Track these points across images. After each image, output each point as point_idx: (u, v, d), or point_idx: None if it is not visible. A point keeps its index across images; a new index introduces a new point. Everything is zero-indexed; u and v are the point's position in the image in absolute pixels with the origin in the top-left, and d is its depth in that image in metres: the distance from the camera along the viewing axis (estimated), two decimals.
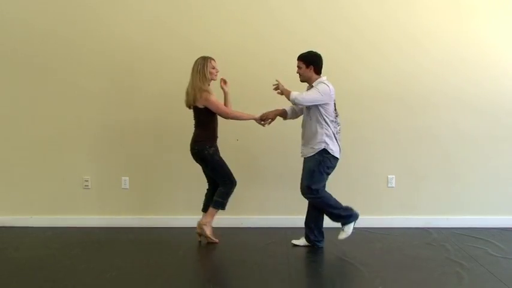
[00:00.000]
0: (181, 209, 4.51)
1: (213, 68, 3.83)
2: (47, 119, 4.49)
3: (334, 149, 3.71)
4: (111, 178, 4.53)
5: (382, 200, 4.51)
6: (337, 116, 3.77)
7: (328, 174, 3.79)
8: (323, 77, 3.73)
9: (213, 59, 3.85)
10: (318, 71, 3.72)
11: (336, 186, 4.36)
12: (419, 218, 4.46)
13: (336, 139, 3.74)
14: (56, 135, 4.50)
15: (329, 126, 3.68)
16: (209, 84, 3.84)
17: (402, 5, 4.45)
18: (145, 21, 4.45)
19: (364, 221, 4.35)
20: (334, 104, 3.74)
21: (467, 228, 4.36)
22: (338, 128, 3.77)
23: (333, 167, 3.79)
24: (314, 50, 3.75)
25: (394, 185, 4.53)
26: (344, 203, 3.85)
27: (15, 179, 4.53)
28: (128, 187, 4.53)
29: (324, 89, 3.63)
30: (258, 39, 4.44)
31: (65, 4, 4.45)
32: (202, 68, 3.78)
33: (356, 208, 3.84)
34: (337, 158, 3.76)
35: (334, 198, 3.80)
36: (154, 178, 4.54)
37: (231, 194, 3.93)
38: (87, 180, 4.53)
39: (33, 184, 4.52)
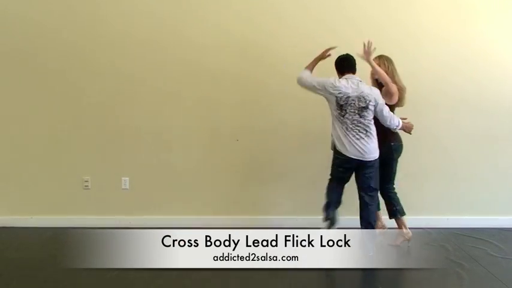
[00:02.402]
0: (181, 209, 4.51)
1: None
2: (47, 119, 4.49)
3: (339, 148, 3.65)
4: (111, 178, 4.52)
5: (382, 200, 4.50)
6: (344, 115, 3.61)
7: (340, 172, 3.72)
8: (346, 76, 3.69)
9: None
10: (339, 72, 3.74)
11: None
12: (419, 218, 4.45)
13: (344, 137, 3.61)
14: (55, 135, 4.50)
15: (334, 123, 3.67)
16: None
17: (402, 4, 4.45)
18: (148, 21, 4.44)
19: None
20: (339, 101, 3.61)
21: (467, 228, 4.35)
22: (345, 126, 3.61)
23: (343, 167, 3.69)
24: (346, 54, 3.73)
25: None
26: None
27: (15, 179, 4.53)
28: (127, 187, 4.53)
29: (323, 79, 3.66)
30: (261, 39, 4.43)
31: (66, 4, 4.45)
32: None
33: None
34: (344, 156, 3.63)
35: (329, 202, 3.77)
36: (154, 178, 4.53)
37: None
38: (87, 181, 4.52)
39: (33, 184, 4.52)
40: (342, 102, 3.60)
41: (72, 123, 4.49)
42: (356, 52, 3.68)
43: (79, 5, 4.45)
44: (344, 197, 3.78)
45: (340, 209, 3.93)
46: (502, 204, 4.53)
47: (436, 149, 4.52)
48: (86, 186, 4.53)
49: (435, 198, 4.53)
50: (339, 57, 3.75)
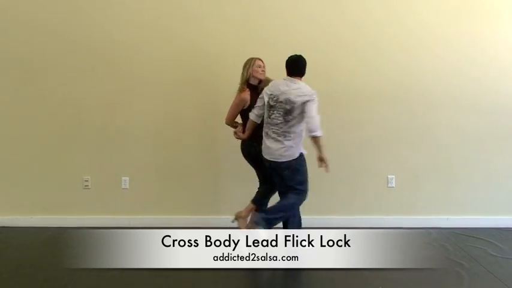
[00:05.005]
0: (181, 209, 4.51)
1: (259, 67, 3.81)
2: (47, 119, 4.49)
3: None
4: (111, 178, 4.52)
5: (382, 200, 4.51)
6: (269, 117, 3.58)
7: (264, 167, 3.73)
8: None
9: (259, 59, 3.82)
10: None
11: (336, 186, 4.37)
12: (419, 218, 4.46)
13: (264, 138, 3.62)
14: (55, 135, 4.50)
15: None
16: (254, 83, 3.81)
17: (404, 4, 4.45)
18: (146, 22, 4.44)
19: (364, 220, 4.36)
20: (267, 104, 3.60)
21: (467, 228, 4.36)
22: (269, 129, 3.59)
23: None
24: (297, 54, 3.68)
25: (394, 185, 4.53)
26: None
27: (15, 178, 4.53)
28: (128, 187, 4.53)
29: None
30: (257, 41, 4.43)
31: (65, 4, 4.45)
32: (244, 67, 3.81)
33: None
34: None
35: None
36: (154, 178, 4.54)
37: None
38: (87, 180, 4.53)
39: (33, 184, 4.52)
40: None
41: (72, 123, 4.49)
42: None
43: (78, 7, 4.45)
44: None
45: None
46: (502, 204, 4.53)
47: (436, 148, 4.51)
48: (86, 185, 4.53)
49: (435, 198, 4.52)
50: (287, 59, 3.68)
